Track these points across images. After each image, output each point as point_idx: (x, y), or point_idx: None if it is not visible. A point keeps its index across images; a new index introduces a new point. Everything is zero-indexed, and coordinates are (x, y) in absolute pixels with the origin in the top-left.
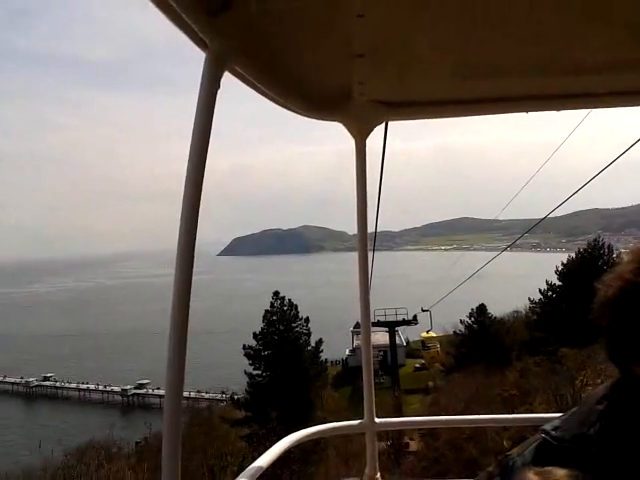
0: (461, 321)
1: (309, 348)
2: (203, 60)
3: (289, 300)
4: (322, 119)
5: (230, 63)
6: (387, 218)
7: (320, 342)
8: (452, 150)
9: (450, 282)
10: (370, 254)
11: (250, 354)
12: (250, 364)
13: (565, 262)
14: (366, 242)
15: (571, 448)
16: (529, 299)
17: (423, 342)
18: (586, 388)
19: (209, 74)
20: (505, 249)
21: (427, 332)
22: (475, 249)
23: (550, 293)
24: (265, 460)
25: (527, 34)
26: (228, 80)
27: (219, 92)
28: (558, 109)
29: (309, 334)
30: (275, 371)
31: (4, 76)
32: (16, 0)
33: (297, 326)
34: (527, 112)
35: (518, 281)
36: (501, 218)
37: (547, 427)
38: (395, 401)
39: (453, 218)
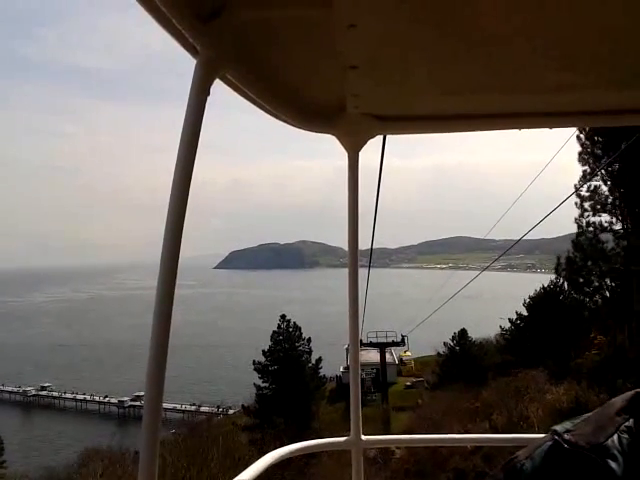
0: (444, 344)
1: (310, 365)
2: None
3: (294, 322)
4: (314, 131)
5: (221, 70)
6: (384, 235)
7: (319, 360)
8: (449, 169)
9: (441, 301)
10: (365, 271)
11: (259, 369)
12: (259, 377)
13: (532, 295)
14: (357, 258)
15: (585, 456)
16: (500, 327)
17: (401, 359)
18: (531, 403)
19: (199, 81)
20: (482, 271)
21: (404, 352)
22: (470, 268)
23: (519, 322)
24: (248, 474)
25: (524, 52)
26: (225, 95)
27: (212, 102)
28: (550, 127)
29: (310, 352)
30: (280, 384)
31: (10, 83)
32: (22, 10)
33: (300, 345)
34: (520, 129)
35: (509, 302)
36: (497, 238)
37: (558, 428)
38: (384, 415)
39: (450, 237)
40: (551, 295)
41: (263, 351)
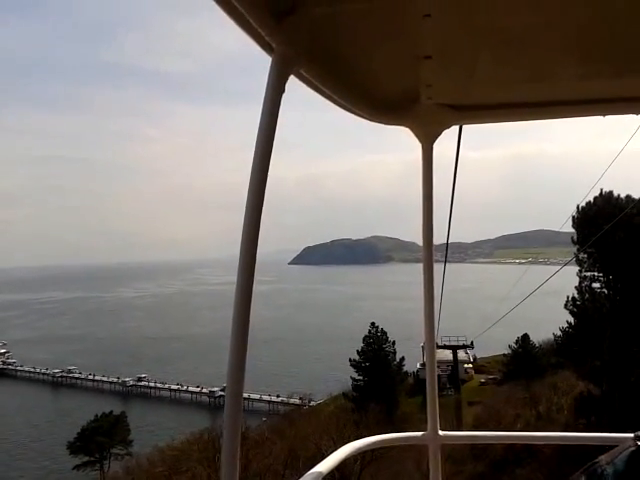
0: (509, 346)
1: (395, 363)
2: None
3: (382, 329)
4: (388, 123)
5: (296, 67)
6: (459, 229)
7: (403, 359)
8: (527, 159)
9: (519, 298)
10: (441, 266)
11: (354, 365)
12: (355, 372)
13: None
14: (432, 253)
15: None
16: (553, 334)
17: (465, 368)
18: (562, 396)
19: (274, 77)
20: (562, 267)
21: (466, 363)
22: (551, 263)
23: (568, 329)
24: (325, 466)
25: (602, 35)
26: (296, 91)
27: (286, 98)
28: (637, 113)
29: (395, 352)
30: (371, 378)
31: (94, 89)
32: (103, 15)
33: (386, 347)
34: (604, 115)
35: None
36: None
37: None
38: (456, 405)
39: (529, 230)
40: (596, 305)
41: (357, 351)
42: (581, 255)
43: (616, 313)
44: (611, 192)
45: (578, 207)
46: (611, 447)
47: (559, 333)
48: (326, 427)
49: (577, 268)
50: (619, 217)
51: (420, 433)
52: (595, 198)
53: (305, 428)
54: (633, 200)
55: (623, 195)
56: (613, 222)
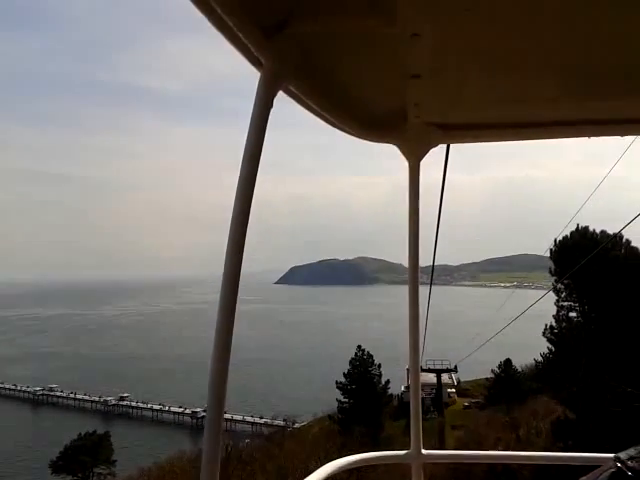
0: (492, 371)
1: (380, 385)
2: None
3: (368, 352)
4: (376, 141)
5: (284, 83)
6: (445, 251)
7: (388, 382)
8: (513, 183)
9: (504, 321)
10: (426, 288)
11: (340, 387)
12: (341, 394)
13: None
14: (417, 275)
15: None
16: (534, 359)
17: (448, 393)
18: (542, 419)
19: (263, 93)
20: (548, 292)
21: (449, 388)
22: (537, 287)
23: (549, 355)
24: None
25: (586, 59)
26: (288, 112)
27: (276, 118)
28: (621, 134)
29: (380, 375)
30: (357, 400)
31: (82, 105)
32: (99, 35)
33: (372, 369)
34: (589, 137)
35: None
36: None
37: (622, 456)
38: (439, 427)
39: (514, 254)
40: (573, 333)
41: (344, 373)
42: (559, 285)
43: (591, 342)
44: (587, 227)
45: (555, 241)
46: (591, 467)
47: (540, 358)
48: (312, 449)
49: (555, 297)
50: (594, 253)
51: (403, 452)
52: (571, 233)
53: (292, 449)
54: (608, 235)
55: (598, 230)
56: (587, 258)
